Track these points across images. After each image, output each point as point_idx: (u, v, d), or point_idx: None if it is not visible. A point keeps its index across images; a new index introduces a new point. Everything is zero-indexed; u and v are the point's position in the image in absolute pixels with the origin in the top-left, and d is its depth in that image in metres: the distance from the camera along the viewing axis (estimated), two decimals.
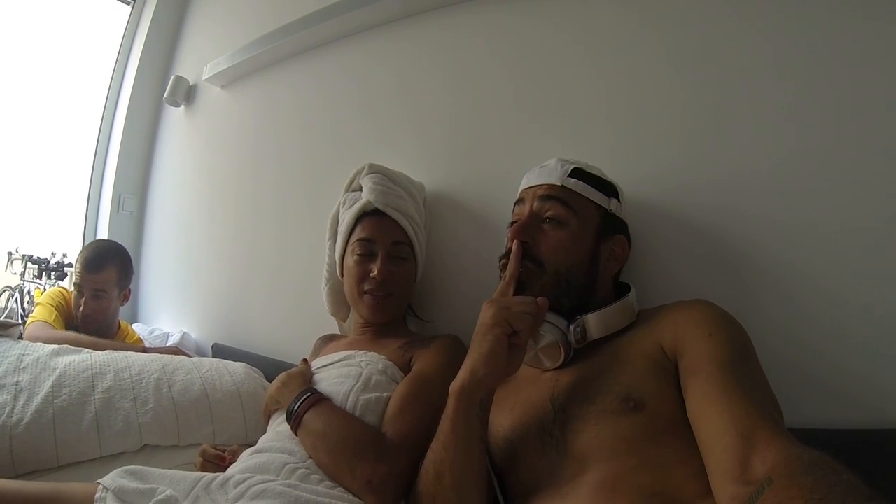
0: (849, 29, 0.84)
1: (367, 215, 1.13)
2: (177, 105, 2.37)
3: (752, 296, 0.87)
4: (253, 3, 2.09)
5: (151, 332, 2.04)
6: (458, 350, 1.00)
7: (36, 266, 2.60)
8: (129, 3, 2.66)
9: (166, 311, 2.25)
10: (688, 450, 0.62)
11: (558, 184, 0.85)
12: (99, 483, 0.78)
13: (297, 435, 0.89)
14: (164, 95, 2.36)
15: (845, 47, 0.84)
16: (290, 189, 1.75)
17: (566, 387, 0.76)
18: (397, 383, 0.95)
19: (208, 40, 2.35)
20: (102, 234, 2.46)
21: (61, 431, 1.03)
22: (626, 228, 0.90)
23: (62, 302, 1.70)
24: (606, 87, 1.10)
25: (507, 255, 0.86)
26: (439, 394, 0.89)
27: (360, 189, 1.18)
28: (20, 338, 1.36)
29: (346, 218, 1.15)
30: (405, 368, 0.99)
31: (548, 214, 0.84)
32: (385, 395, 0.92)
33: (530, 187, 0.89)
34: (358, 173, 1.21)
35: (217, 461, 1.00)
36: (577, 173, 0.86)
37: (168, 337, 1.98)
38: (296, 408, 0.90)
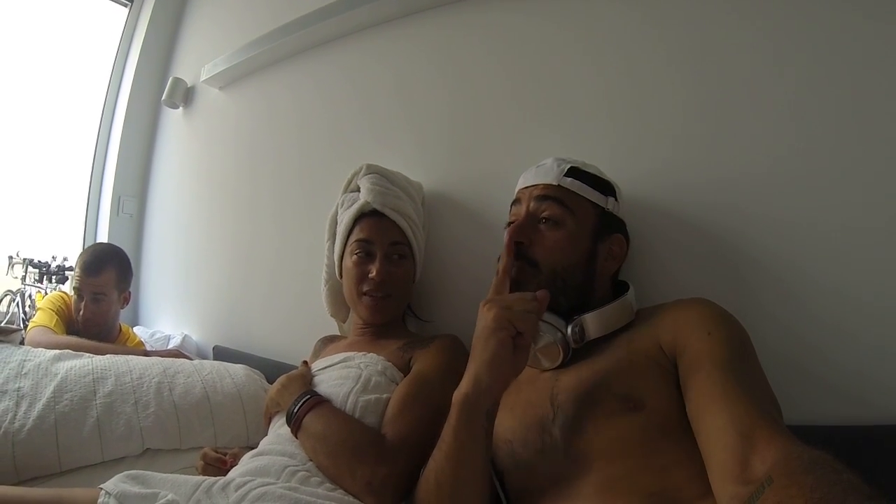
0: (849, 27, 0.84)
1: (366, 216, 1.13)
2: (175, 107, 2.37)
3: (751, 294, 0.87)
4: (250, 3, 2.09)
5: (152, 335, 2.05)
6: (457, 350, 1.01)
7: (37, 270, 2.61)
8: (126, 5, 2.66)
9: (167, 313, 2.25)
10: (687, 449, 0.62)
11: (555, 183, 0.85)
12: (101, 488, 0.78)
13: (297, 437, 0.89)
14: (163, 97, 2.36)
15: (845, 45, 0.84)
16: (289, 190, 1.75)
17: (565, 387, 0.76)
18: (397, 384, 0.95)
19: (206, 41, 2.35)
20: (102, 237, 2.46)
21: (63, 437, 1.03)
22: (625, 227, 0.90)
23: (63, 306, 1.71)
24: (605, 86, 1.10)
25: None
26: (439, 394, 0.89)
27: (359, 190, 1.17)
28: (21, 343, 1.36)
29: (345, 219, 1.15)
30: (404, 369, 0.99)
31: (544, 214, 0.84)
32: (385, 396, 0.92)
33: (527, 187, 0.89)
34: (356, 174, 1.21)
35: (218, 464, 1.00)
36: (574, 172, 0.86)
37: (169, 340, 1.98)
38: (296, 410, 0.90)
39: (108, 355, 1.29)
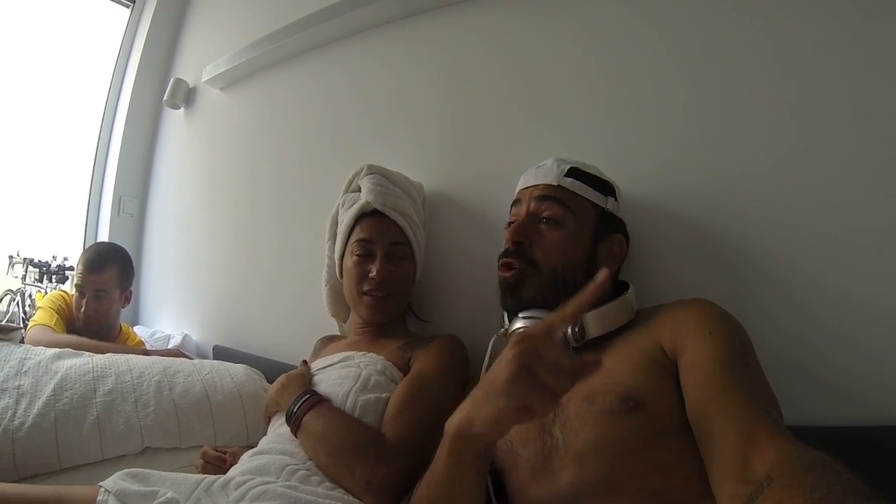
0: (849, 27, 0.84)
1: (366, 216, 1.13)
2: (176, 107, 2.37)
3: (751, 294, 0.87)
4: (252, 4, 2.09)
5: (153, 335, 2.05)
6: (456, 350, 1.01)
7: (37, 269, 2.61)
8: (128, 6, 2.66)
9: (167, 313, 2.26)
10: (688, 450, 0.62)
11: (555, 184, 0.85)
12: (101, 486, 0.78)
13: (296, 436, 0.89)
14: (164, 98, 2.36)
15: (845, 45, 0.84)
16: (290, 190, 1.75)
17: None
18: (396, 384, 0.95)
19: (207, 42, 2.35)
20: (103, 237, 2.47)
21: (63, 435, 1.03)
22: (624, 227, 0.90)
23: (63, 305, 1.71)
24: (605, 86, 1.10)
25: (505, 254, 0.86)
26: (438, 394, 0.90)
27: (359, 190, 1.18)
28: (22, 342, 1.36)
29: (345, 219, 1.15)
30: (404, 369, 0.99)
31: (544, 215, 0.84)
32: (384, 395, 0.92)
33: (527, 188, 0.89)
34: (357, 174, 1.21)
35: (218, 463, 1.00)
36: (574, 173, 0.86)
37: (169, 339, 1.98)
38: (295, 409, 0.90)
39: (108, 354, 1.29)
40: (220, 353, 1.75)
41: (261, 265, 1.80)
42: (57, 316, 1.64)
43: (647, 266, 0.97)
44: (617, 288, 0.87)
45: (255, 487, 0.74)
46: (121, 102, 2.61)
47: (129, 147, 2.53)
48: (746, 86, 0.92)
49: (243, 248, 1.88)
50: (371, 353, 1.01)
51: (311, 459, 0.84)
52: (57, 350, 1.25)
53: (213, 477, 0.80)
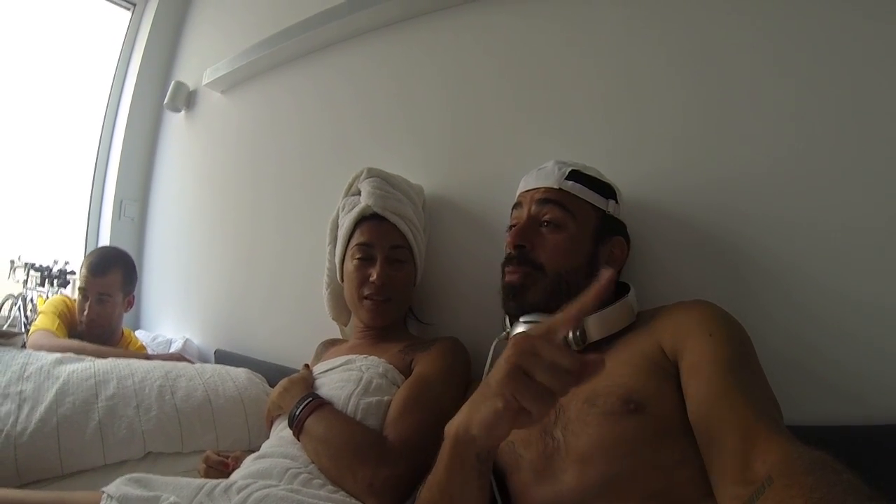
0: (849, 28, 0.84)
1: (366, 219, 1.13)
2: (177, 110, 2.38)
3: (752, 294, 0.87)
4: (252, 7, 2.10)
5: (154, 339, 2.05)
6: (458, 352, 1.01)
7: (38, 274, 2.60)
8: (129, 9, 2.67)
9: (169, 317, 2.26)
10: (689, 451, 0.62)
11: (555, 187, 0.85)
12: (103, 491, 0.78)
13: (299, 440, 0.89)
14: (165, 101, 2.36)
15: (845, 45, 0.84)
16: (291, 193, 1.75)
17: None
18: (398, 387, 0.95)
19: (208, 45, 2.36)
20: (104, 241, 2.47)
21: (65, 440, 1.04)
22: (625, 229, 0.90)
23: (65, 310, 1.71)
24: (605, 88, 1.10)
25: (509, 260, 0.86)
26: (440, 397, 0.90)
27: (359, 193, 1.18)
28: (23, 346, 1.36)
29: (346, 222, 1.15)
30: (406, 372, 0.99)
31: (545, 218, 0.84)
32: (386, 398, 0.92)
33: (528, 191, 0.89)
34: (356, 177, 1.21)
35: (220, 467, 1.00)
36: (575, 175, 0.86)
37: (171, 343, 1.98)
38: (297, 413, 0.90)
39: (109, 359, 1.30)
40: (222, 357, 1.75)
41: (262, 269, 1.80)
42: (59, 321, 1.64)
43: (648, 267, 0.97)
44: (618, 290, 0.87)
45: (257, 491, 0.74)
46: (121, 106, 2.61)
47: (130, 151, 2.53)
48: (746, 86, 0.93)
49: (244, 252, 1.89)
50: (373, 357, 1.01)
51: (313, 462, 0.85)
52: (58, 355, 1.25)
53: (215, 481, 0.80)
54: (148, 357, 1.55)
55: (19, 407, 1.05)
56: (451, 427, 0.62)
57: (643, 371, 0.70)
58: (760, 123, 0.91)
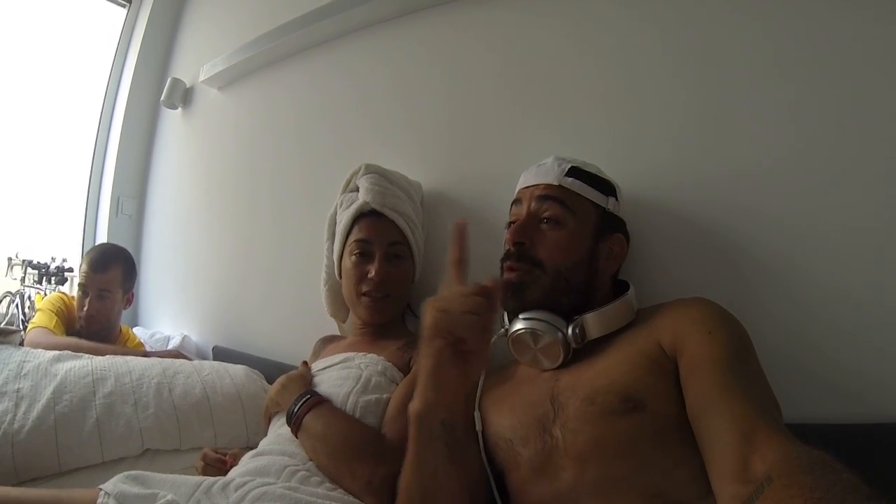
0: (849, 27, 0.84)
1: (364, 216, 1.13)
2: (174, 107, 2.37)
3: (752, 292, 0.87)
4: (249, 3, 2.09)
5: (152, 336, 2.04)
6: None
7: (36, 271, 2.60)
8: (124, 5, 2.65)
9: (166, 314, 2.25)
10: (688, 450, 0.62)
11: (555, 183, 0.85)
12: (101, 489, 0.78)
13: (297, 437, 0.89)
14: (161, 98, 2.35)
15: (845, 45, 0.84)
16: (288, 190, 1.75)
17: (566, 387, 0.76)
18: (397, 384, 0.95)
19: (205, 42, 2.35)
20: (102, 238, 2.46)
21: (63, 437, 1.03)
22: (625, 227, 0.90)
23: (62, 307, 1.71)
24: (605, 84, 1.10)
25: (508, 257, 0.86)
26: None
27: (357, 190, 1.17)
28: (21, 344, 1.36)
29: (344, 219, 1.15)
30: (404, 369, 0.99)
31: (545, 215, 0.84)
32: (385, 396, 0.92)
33: (527, 187, 0.89)
34: (354, 174, 1.21)
35: (218, 465, 1.00)
36: (575, 172, 0.86)
37: (168, 340, 1.98)
38: (296, 410, 0.90)
39: (107, 356, 1.29)
40: (220, 354, 1.75)
41: (260, 265, 1.79)
42: (56, 318, 1.64)
43: (648, 265, 0.97)
44: (617, 288, 0.87)
45: (255, 489, 0.74)
46: (118, 103, 2.60)
47: (127, 148, 2.52)
48: (747, 84, 0.92)
49: (242, 248, 1.88)
50: (371, 354, 1.01)
51: (311, 460, 0.84)
52: (56, 352, 1.25)
53: (213, 479, 0.80)
54: (146, 354, 1.55)
55: (16, 405, 1.05)
56: (413, 404, 0.66)
57: (642, 369, 0.70)
58: (760, 123, 0.90)
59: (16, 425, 1.01)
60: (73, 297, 1.76)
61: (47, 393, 1.09)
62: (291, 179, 1.75)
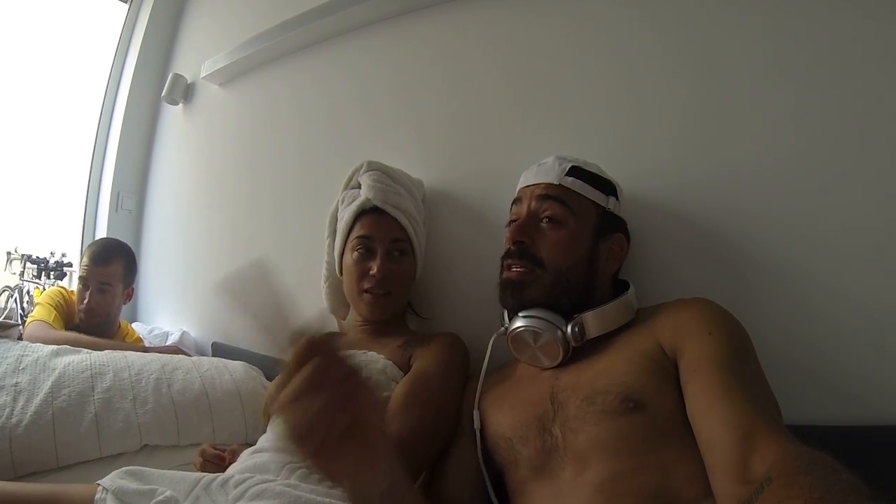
0: (849, 27, 0.84)
1: (366, 213, 1.12)
2: (175, 103, 2.36)
3: (751, 293, 0.87)
4: (251, 0, 2.09)
5: (151, 332, 2.04)
6: (456, 348, 1.00)
7: (35, 266, 2.59)
8: (126, 1, 2.65)
9: (165, 309, 2.25)
10: (688, 450, 0.62)
11: (556, 183, 0.85)
12: (98, 484, 0.78)
13: None
14: (162, 93, 2.34)
15: (845, 45, 0.84)
16: (289, 186, 1.75)
17: (566, 386, 0.76)
18: (397, 383, 0.95)
19: (206, 38, 2.34)
20: (101, 233, 2.46)
21: (61, 432, 1.03)
22: (625, 227, 0.90)
23: (62, 302, 1.70)
24: (605, 84, 1.10)
25: (508, 255, 0.86)
26: (439, 393, 0.90)
27: (359, 186, 1.17)
28: (19, 338, 1.36)
29: (345, 215, 1.15)
30: (404, 368, 0.99)
31: (546, 214, 0.84)
32: (385, 394, 0.92)
33: (528, 186, 0.89)
34: (357, 170, 1.21)
35: (217, 461, 1.00)
36: (575, 172, 0.86)
37: (167, 336, 1.98)
38: None
39: (106, 351, 1.29)
40: (219, 350, 1.74)
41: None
42: (55, 312, 1.64)
43: (648, 265, 0.97)
44: (617, 287, 0.87)
45: (254, 486, 0.74)
46: (119, 98, 2.59)
47: (128, 143, 2.52)
48: (747, 84, 0.92)
49: (242, 244, 1.88)
50: (372, 352, 1.01)
51: None
52: (55, 347, 1.25)
53: (212, 475, 0.80)
54: (145, 349, 1.55)
55: (14, 399, 1.05)
56: None
57: (643, 369, 0.70)
58: (761, 121, 0.90)
59: (14, 420, 1.01)
60: (72, 292, 1.76)
61: (45, 387, 1.08)
62: (292, 176, 1.74)
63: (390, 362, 0.98)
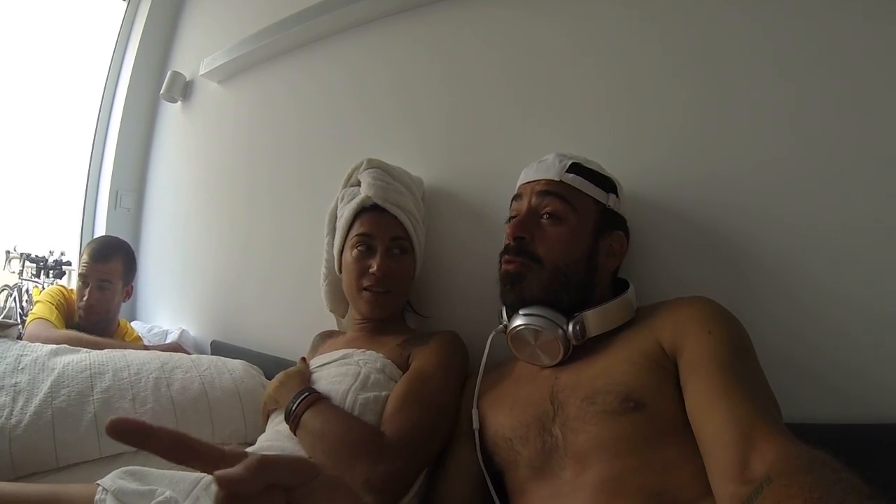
0: (849, 27, 0.84)
1: (366, 210, 1.12)
2: (173, 101, 2.36)
3: (751, 292, 0.87)
4: None
5: (150, 330, 2.04)
6: (456, 347, 1.00)
7: (34, 265, 2.58)
8: None
9: (165, 308, 2.25)
10: (688, 449, 0.62)
11: (556, 179, 0.85)
12: (98, 484, 0.78)
13: (295, 434, 0.89)
14: (161, 91, 2.34)
15: (845, 45, 0.84)
16: (288, 184, 1.74)
17: (565, 385, 0.76)
18: (396, 381, 0.95)
19: (205, 35, 2.33)
20: (100, 231, 2.45)
21: (60, 432, 1.03)
22: (625, 224, 0.90)
23: (62, 300, 1.70)
24: (605, 82, 1.09)
25: (507, 250, 0.85)
26: (438, 392, 0.90)
27: (359, 184, 1.17)
28: (19, 337, 1.35)
29: (345, 213, 1.14)
30: (403, 366, 0.99)
31: (546, 210, 0.84)
32: (384, 393, 0.92)
33: (528, 182, 0.89)
34: (356, 168, 1.20)
35: None
36: (576, 168, 0.86)
37: (167, 334, 1.98)
38: (294, 407, 0.90)
39: (105, 350, 1.29)
40: (219, 349, 1.75)
41: (259, 259, 1.79)
42: (56, 311, 1.64)
43: (648, 263, 0.97)
44: (617, 286, 0.87)
45: None
46: (117, 96, 2.59)
47: (126, 141, 2.51)
48: (747, 83, 0.92)
49: (241, 243, 1.88)
50: (370, 351, 1.01)
51: (310, 457, 0.84)
52: (54, 346, 1.24)
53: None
54: (144, 348, 1.55)
55: (14, 399, 1.04)
56: None
57: (642, 369, 0.70)
58: (760, 122, 0.90)
59: (13, 420, 1.00)
60: (72, 290, 1.76)
61: (45, 387, 1.08)
62: (290, 174, 1.74)
63: (389, 361, 0.98)
